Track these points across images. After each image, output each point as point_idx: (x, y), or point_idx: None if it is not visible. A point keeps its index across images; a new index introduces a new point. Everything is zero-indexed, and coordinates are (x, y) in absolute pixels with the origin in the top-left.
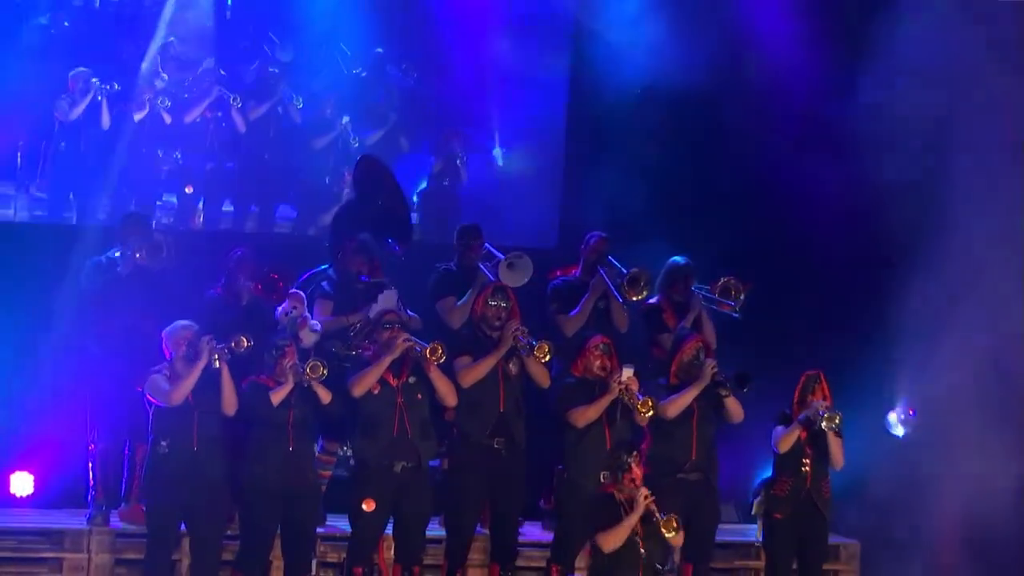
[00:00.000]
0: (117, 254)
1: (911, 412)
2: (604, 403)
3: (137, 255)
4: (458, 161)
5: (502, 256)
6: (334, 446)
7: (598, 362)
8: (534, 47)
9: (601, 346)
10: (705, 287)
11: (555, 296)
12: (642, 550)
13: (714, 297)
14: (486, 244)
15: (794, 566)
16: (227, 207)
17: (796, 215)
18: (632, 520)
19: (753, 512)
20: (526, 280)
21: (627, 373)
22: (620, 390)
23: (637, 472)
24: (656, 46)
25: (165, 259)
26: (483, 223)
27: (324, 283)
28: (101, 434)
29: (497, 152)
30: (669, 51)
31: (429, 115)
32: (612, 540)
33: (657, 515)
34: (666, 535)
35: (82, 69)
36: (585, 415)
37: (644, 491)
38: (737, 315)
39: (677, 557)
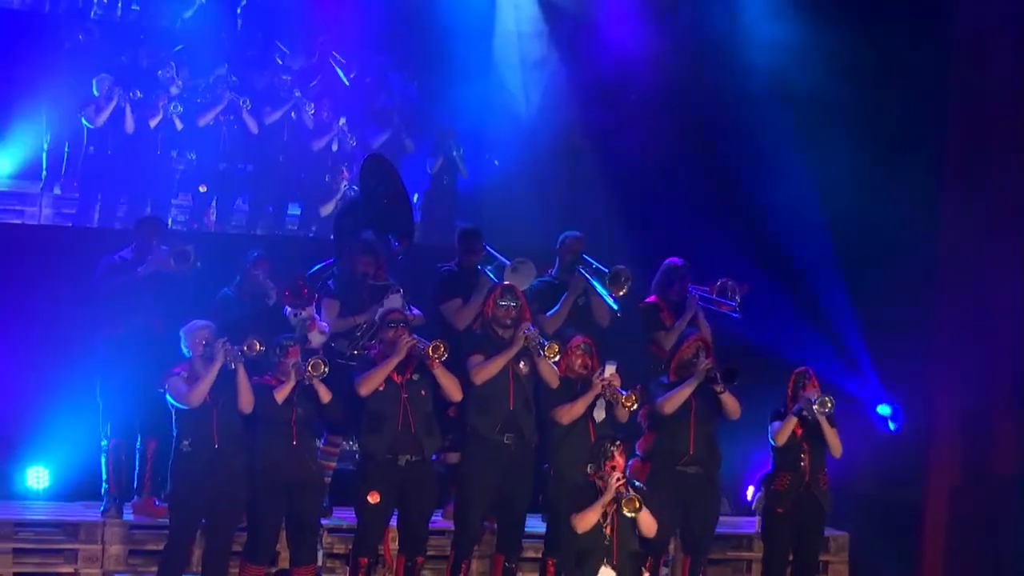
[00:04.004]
0: (128, 254)
1: (898, 407)
2: (588, 399)
3: (166, 261)
4: (455, 157)
5: (502, 258)
6: (338, 439)
7: (580, 361)
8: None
9: (583, 346)
10: (704, 288)
11: (535, 296)
12: (608, 535)
13: (713, 298)
14: (486, 247)
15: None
16: (240, 205)
17: (783, 214)
18: (604, 500)
19: (754, 507)
20: (529, 283)
21: (610, 369)
22: (603, 386)
23: (619, 461)
24: (647, 47)
25: (191, 265)
26: (483, 223)
27: (330, 282)
28: (113, 430)
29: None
30: (658, 52)
31: (431, 118)
32: (584, 521)
33: (623, 495)
34: (627, 515)
35: (105, 75)
36: (571, 412)
37: (617, 475)
38: (737, 315)
39: (672, 548)
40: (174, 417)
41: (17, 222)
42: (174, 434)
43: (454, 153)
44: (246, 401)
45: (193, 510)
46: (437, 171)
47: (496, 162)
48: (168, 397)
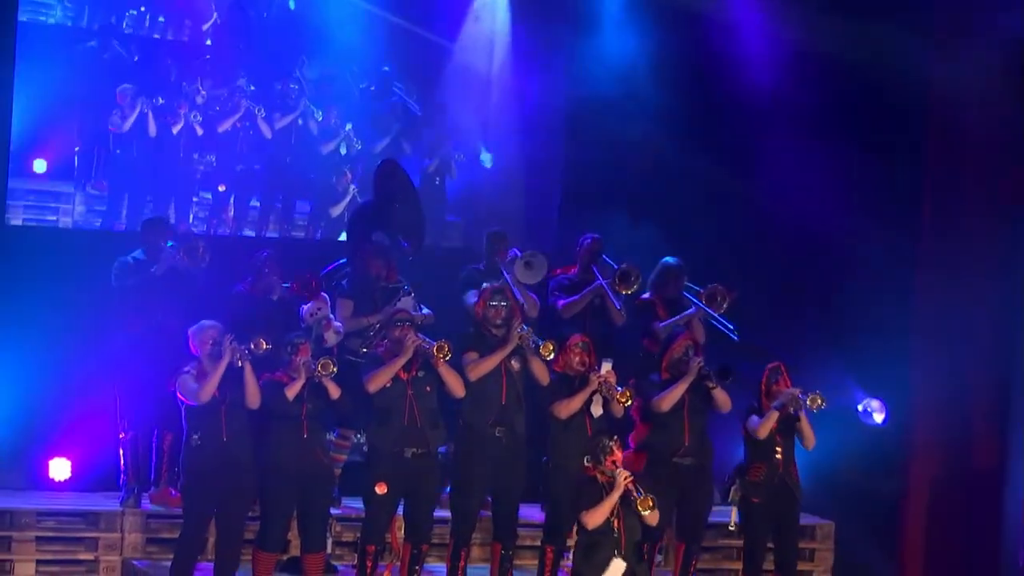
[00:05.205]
0: (140, 255)
1: (883, 402)
2: (585, 395)
3: (177, 256)
4: (453, 161)
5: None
6: (349, 433)
7: (577, 358)
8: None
9: (580, 344)
10: (697, 289)
11: (557, 287)
12: (616, 528)
13: (702, 304)
14: (512, 249)
15: (769, 544)
16: (254, 202)
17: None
18: (613, 498)
19: (730, 499)
20: (542, 277)
21: (606, 367)
22: (599, 383)
23: (618, 455)
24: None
25: (201, 259)
26: (478, 222)
27: (344, 282)
28: (131, 423)
29: (485, 156)
30: (653, 55)
31: (427, 122)
32: (595, 518)
33: (635, 494)
34: (642, 513)
35: (127, 85)
36: (568, 407)
37: (624, 472)
38: (727, 325)
39: (667, 536)
40: (184, 413)
41: (52, 219)
42: (184, 429)
43: (455, 157)
44: (253, 398)
45: (204, 500)
46: (432, 172)
47: (486, 165)
48: (179, 394)
